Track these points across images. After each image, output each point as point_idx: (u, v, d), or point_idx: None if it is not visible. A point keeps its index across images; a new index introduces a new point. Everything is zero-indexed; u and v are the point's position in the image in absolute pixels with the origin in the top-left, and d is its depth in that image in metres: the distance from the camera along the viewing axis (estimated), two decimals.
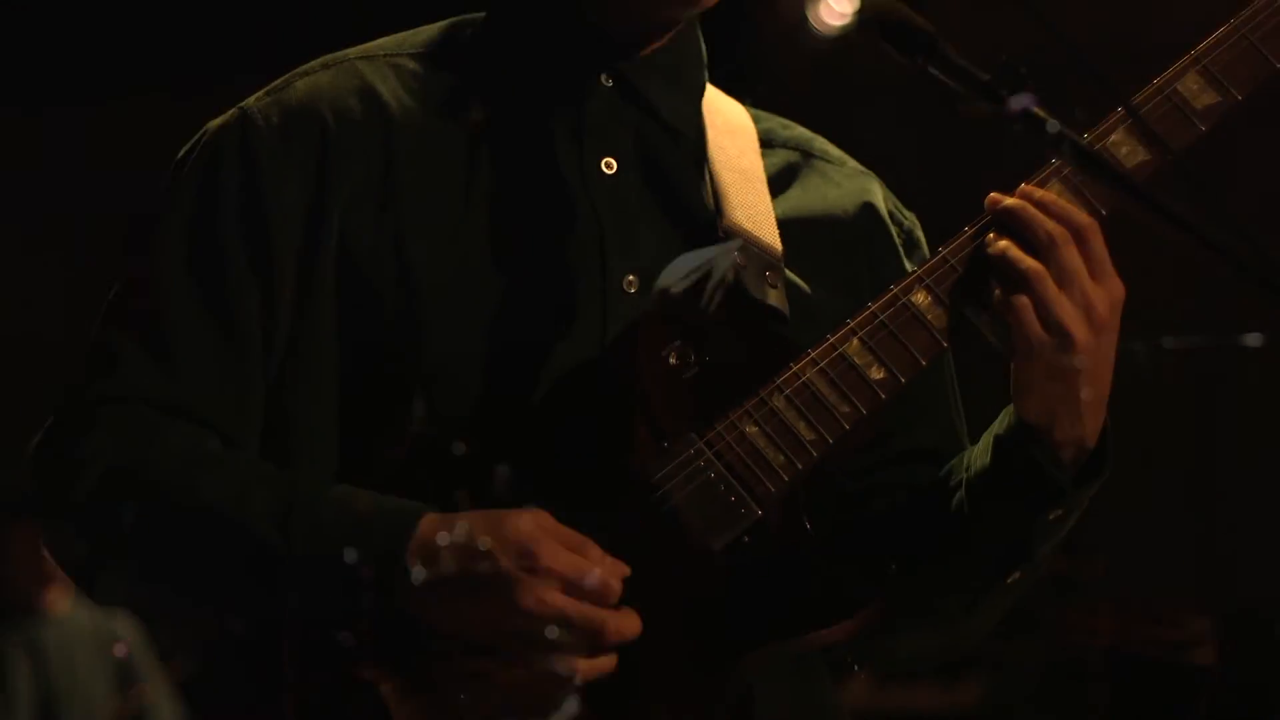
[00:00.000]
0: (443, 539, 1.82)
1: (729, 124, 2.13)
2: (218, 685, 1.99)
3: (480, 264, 1.96)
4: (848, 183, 2.17)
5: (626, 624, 1.83)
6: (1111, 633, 4.78)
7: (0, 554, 6.05)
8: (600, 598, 1.81)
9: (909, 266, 2.13)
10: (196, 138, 2.03)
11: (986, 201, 1.97)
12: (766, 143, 2.16)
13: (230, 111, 2.03)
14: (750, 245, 2.02)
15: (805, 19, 6.99)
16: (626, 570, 1.83)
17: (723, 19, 2.07)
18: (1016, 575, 2.02)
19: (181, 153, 2.04)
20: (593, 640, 1.81)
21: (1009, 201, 1.95)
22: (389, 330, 1.94)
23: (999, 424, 2.00)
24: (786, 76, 6.82)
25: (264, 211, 1.96)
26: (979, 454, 2.01)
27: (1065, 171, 1.97)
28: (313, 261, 1.95)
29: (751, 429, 1.90)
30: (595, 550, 1.83)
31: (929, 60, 1.69)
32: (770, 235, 2.06)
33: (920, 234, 2.18)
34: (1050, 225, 1.92)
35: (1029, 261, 1.91)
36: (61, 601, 6.09)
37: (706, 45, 2.14)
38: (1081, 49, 1.71)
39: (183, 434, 1.93)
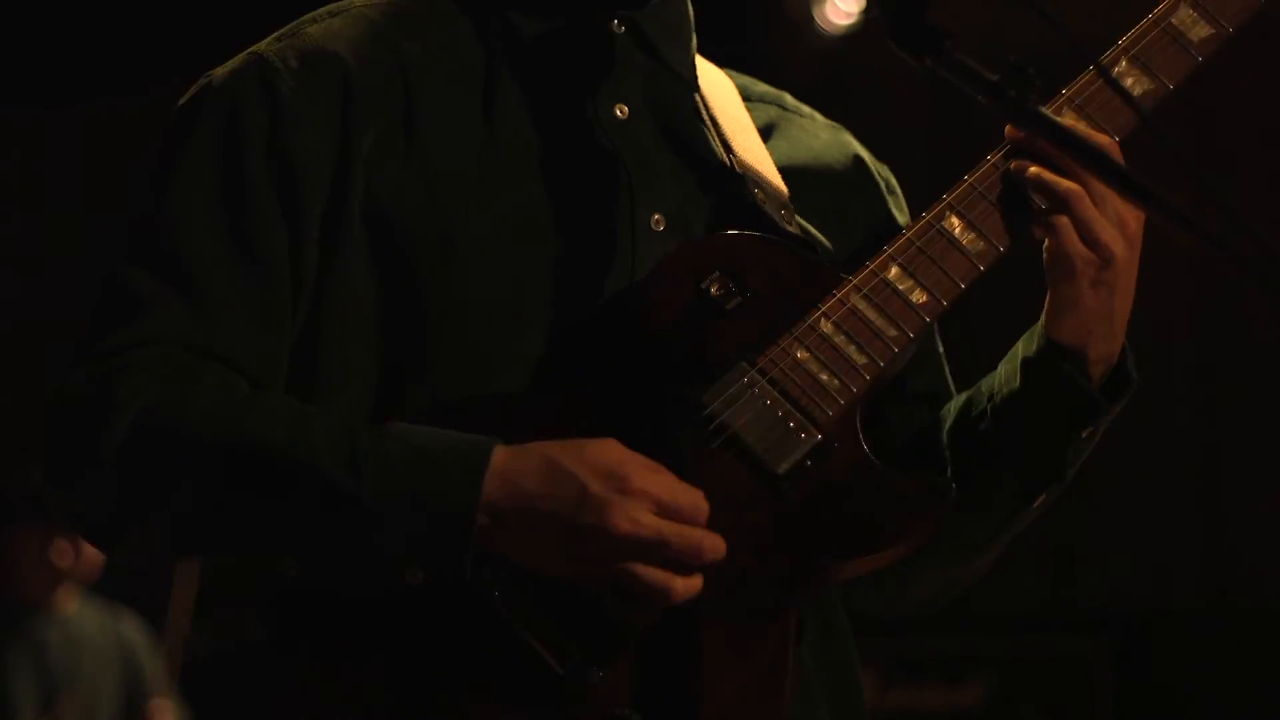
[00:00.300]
0: (521, 468, 1.81)
1: (712, 79, 2.15)
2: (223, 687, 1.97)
3: (510, 203, 1.96)
4: (825, 134, 2.21)
5: (720, 544, 1.82)
6: None
7: (10, 552, 6.05)
8: (693, 518, 1.82)
9: (893, 210, 2.18)
10: (200, 85, 1.99)
11: (1007, 131, 2.00)
12: (745, 97, 2.19)
13: (240, 57, 1.98)
14: (765, 184, 2.06)
15: (811, 19, 6.99)
16: (702, 493, 1.83)
17: (727, 18, 2.08)
18: (1042, 499, 2.05)
19: (184, 99, 1.99)
20: (692, 560, 1.80)
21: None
22: (421, 270, 1.92)
23: (1025, 348, 2.03)
24: (791, 76, 6.83)
25: (291, 152, 1.93)
26: (1004, 380, 2.04)
27: (1077, 100, 2.02)
28: (341, 205, 1.93)
29: (803, 354, 1.92)
30: (671, 474, 1.83)
31: (936, 60, 1.69)
32: (776, 179, 2.09)
33: (895, 182, 2.21)
34: None
35: (1066, 183, 1.95)
36: (69, 601, 6.09)
37: (712, 41, 2.16)
38: (1088, 48, 1.72)
39: (219, 376, 1.88)
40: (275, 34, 2.02)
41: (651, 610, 1.81)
